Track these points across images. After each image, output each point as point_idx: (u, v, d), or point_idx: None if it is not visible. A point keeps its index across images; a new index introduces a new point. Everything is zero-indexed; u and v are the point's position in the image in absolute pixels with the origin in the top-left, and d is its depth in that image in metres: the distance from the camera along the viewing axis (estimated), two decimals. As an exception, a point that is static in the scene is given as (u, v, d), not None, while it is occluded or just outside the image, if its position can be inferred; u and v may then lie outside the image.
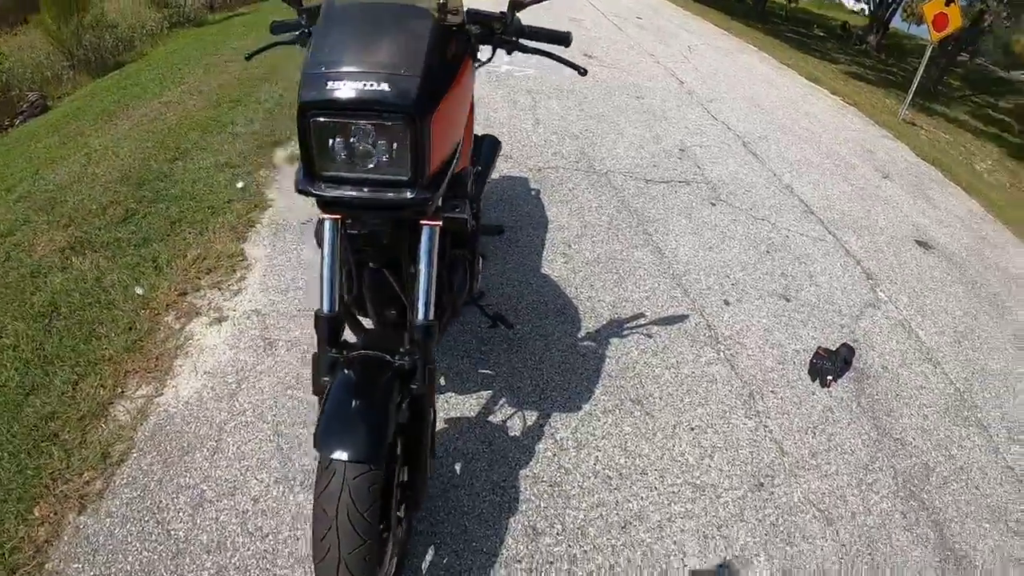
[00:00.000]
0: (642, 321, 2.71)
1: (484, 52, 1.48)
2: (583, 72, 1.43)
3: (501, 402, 2.16)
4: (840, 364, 2.67)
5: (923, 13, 6.24)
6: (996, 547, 2.06)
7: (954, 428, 2.52)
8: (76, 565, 1.56)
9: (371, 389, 1.19)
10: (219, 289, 2.52)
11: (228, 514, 1.70)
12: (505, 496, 1.84)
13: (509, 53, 1.38)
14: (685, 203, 3.78)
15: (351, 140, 1.15)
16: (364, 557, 1.10)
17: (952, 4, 5.91)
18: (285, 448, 1.89)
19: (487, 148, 2.38)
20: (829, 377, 2.60)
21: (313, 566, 1.13)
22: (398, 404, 1.20)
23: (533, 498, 1.85)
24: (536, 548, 1.72)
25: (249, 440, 1.91)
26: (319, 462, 1.14)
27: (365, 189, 1.18)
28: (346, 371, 1.21)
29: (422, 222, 1.23)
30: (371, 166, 1.16)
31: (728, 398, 2.40)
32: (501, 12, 1.31)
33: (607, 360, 2.45)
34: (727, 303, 2.95)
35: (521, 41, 1.34)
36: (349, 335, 1.53)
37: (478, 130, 2.51)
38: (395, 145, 1.15)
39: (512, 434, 2.04)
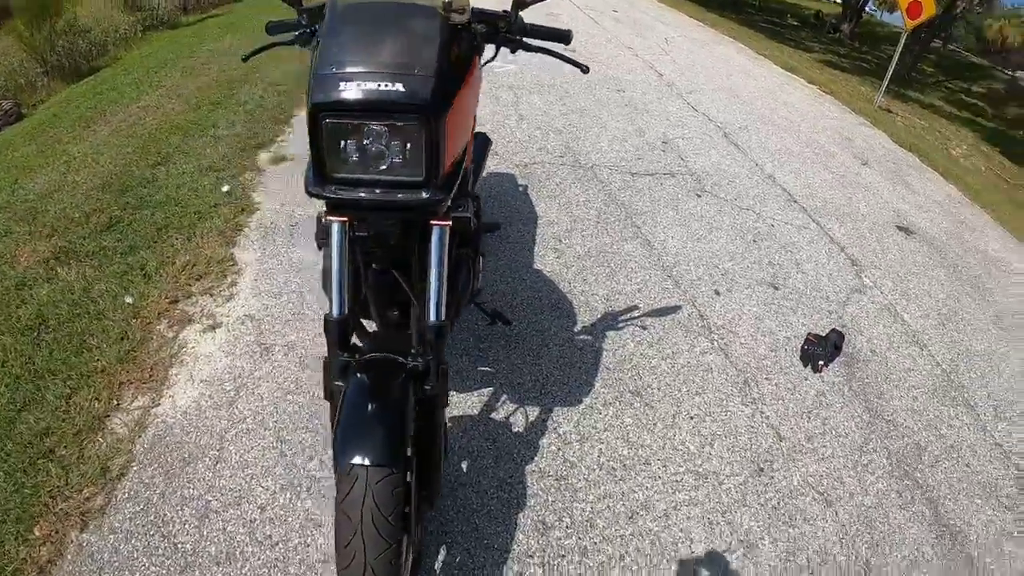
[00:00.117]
0: (636, 313, 2.74)
1: (487, 51, 1.48)
2: (585, 69, 1.43)
3: (502, 399, 2.16)
4: (830, 349, 2.72)
5: (897, 1, 6.35)
6: (989, 522, 2.12)
7: (943, 408, 2.58)
8: (82, 583, 1.54)
9: (386, 392, 1.18)
10: (211, 295, 2.49)
11: (235, 524, 1.68)
12: (513, 492, 1.85)
13: (513, 52, 1.38)
14: (671, 195, 3.81)
15: (364, 141, 1.13)
16: (390, 561, 1.09)
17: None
18: (289, 454, 1.88)
19: (479, 145, 2.38)
20: (820, 362, 2.65)
21: (336, 573, 1.12)
22: (413, 406, 1.20)
23: (540, 493, 1.86)
24: (547, 542, 1.73)
25: (251, 448, 1.89)
26: (339, 468, 1.13)
27: (377, 190, 1.17)
28: (358, 375, 1.21)
29: (432, 222, 1.23)
30: (384, 167, 1.15)
31: (724, 386, 2.43)
32: (504, 11, 1.31)
33: (604, 353, 2.47)
34: (718, 293, 2.99)
35: (525, 40, 1.34)
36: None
37: None
38: (409, 145, 1.14)
39: (516, 430, 2.05)
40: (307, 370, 2.17)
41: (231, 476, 1.81)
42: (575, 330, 2.57)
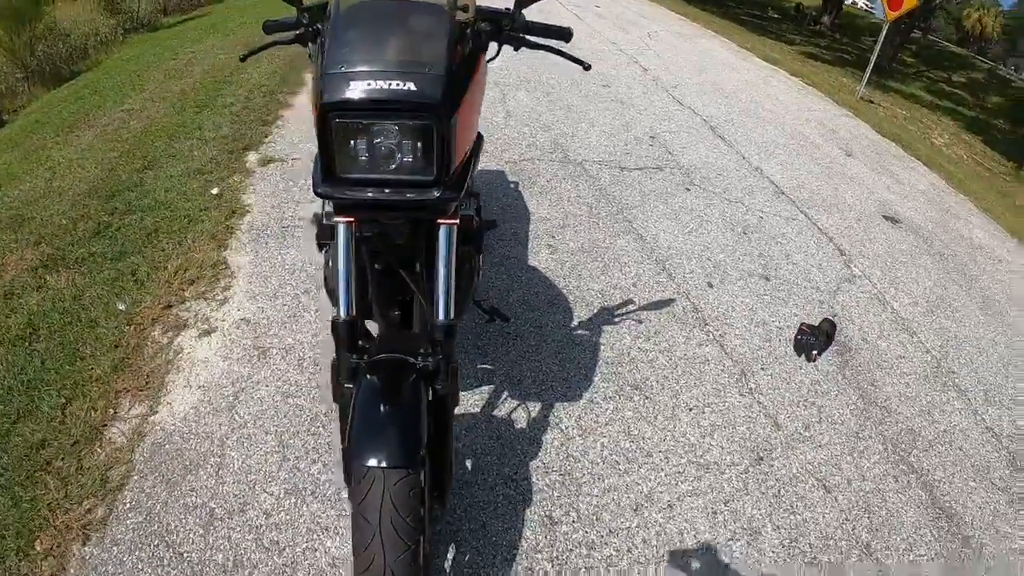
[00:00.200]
0: (631, 307, 2.75)
1: (490, 49, 1.47)
2: (587, 67, 1.43)
3: (504, 396, 2.17)
4: (823, 339, 2.75)
5: (877, -7, 6.44)
6: (984, 503, 2.17)
7: (934, 394, 2.63)
8: (87, 596, 1.52)
9: (398, 392, 1.18)
10: (205, 300, 2.46)
11: (241, 531, 1.67)
12: (519, 488, 1.85)
13: (516, 49, 1.37)
14: (661, 189, 3.83)
15: (374, 140, 1.13)
16: (409, 562, 1.09)
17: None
18: (292, 458, 1.86)
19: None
20: (814, 352, 2.68)
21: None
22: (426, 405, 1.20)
23: (546, 488, 1.87)
24: (554, 537, 1.74)
25: (253, 453, 1.88)
26: (353, 471, 1.12)
27: (387, 190, 1.16)
28: (369, 376, 1.20)
29: (439, 221, 1.22)
30: (393, 166, 1.14)
31: (721, 377, 2.46)
32: (507, 9, 1.30)
33: (602, 348, 2.48)
34: (710, 285, 3.01)
35: (527, 37, 1.34)
36: None
37: None
38: (419, 144, 1.13)
39: (519, 426, 2.06)
40: (306, 373, 2.16)
41: (234, 482, 1.79)
42: (572, 325, 2.58)
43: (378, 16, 1.17)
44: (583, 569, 1.68)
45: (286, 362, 2.21)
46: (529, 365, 2.32)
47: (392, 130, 1.11)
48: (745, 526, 1.89)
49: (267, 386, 2.10)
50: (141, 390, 2.07)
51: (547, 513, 1.80)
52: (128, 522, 1.67)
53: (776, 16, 14.45)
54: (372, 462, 1.09)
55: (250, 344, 2.27)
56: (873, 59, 6.79)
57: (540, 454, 1.97)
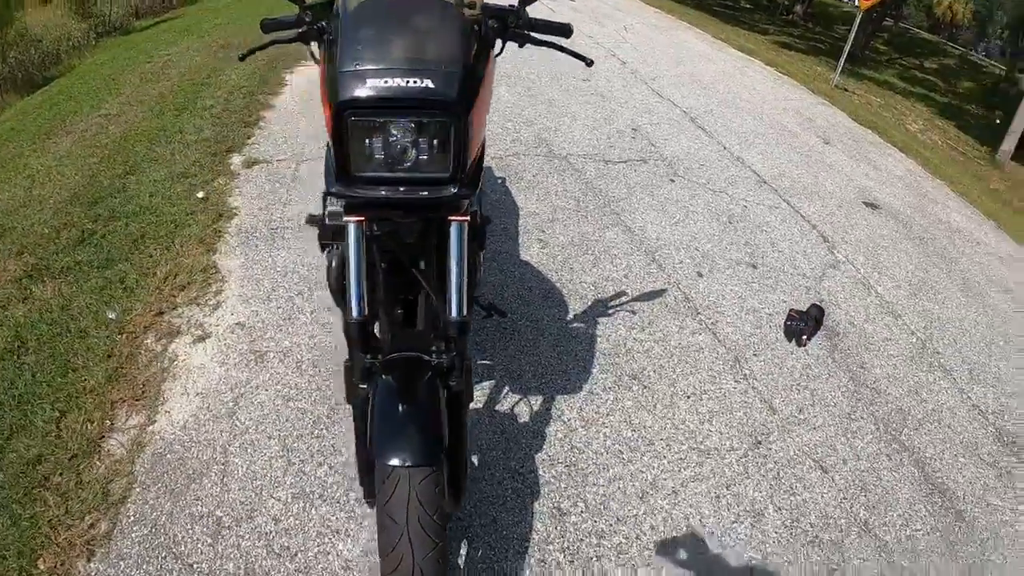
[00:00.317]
0: (624, 299, 2.78)
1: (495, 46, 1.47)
2: (589, 63, 1.44)
3: (505, 390, 2.18)
4: (812, 324, 2.81)
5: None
6: (974, 478, 2.24)
7: (921, 374, 2.70)
8: (97, 613, 1.49)
9: (415, 391, 1.18)
10: (197, 305, 2.43)
11: (250, 538, 1.65)
12: (526, 481, 1.87)
13: (521, 46, 1.38)
14: (646, 181, 3.86)
15: (390, 139, 1.12)
16: (437, 560, 1.10)
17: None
18: (297, 462, 1.85)
19: None
20: (804, 336, 2.74)
21: None
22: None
23: (553, 480, 1.89)
24: (564, 528, 1.76)
25: (257, 459, 1.86)
26: (378, 472, 1.12)
27: (402, 188, 1.16)
28: (384, 376, 1.20)
29: (451, 218, 1.22)
30: (408, 164, 1.14)
31: (716, 364, 2.50)
32: (511, 6, 1.31)
33: (598, 339, 2.50)
34: (700, 275, 3.05)
35: (531, 34, 1.34)
36: None
37: None
38: (436, 142, 1.13)
39: (522, 420, 2.07)
40: (305, 375, 2.15)
41: (239, 489, 1.77)
42: (568, 319, 2.60)
43: (390, 13, 1.16)
44: (594, 558, 1.71)
45: (284, 365, 2.19)
46: (528, 359, 2.33)
47: (409, 128, 1.11)
48: (748, 508, 1.93)
49: (267, 390, 2.09)
50: (137, 400, 2.04)
51: (556, 504, 1.82)
52: (133, 535, 1.64)
53: (748, 6, 14.60)
54: (395, 461, 1.09)
55: (246, 348, 2.25)
56: (847, 47, 6.90)
57: (545, 447, 1.99)
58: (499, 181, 3.60)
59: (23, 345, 2.20)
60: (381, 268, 1.45)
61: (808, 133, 5.21)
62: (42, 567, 1.57)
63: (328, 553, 1.63)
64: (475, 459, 1.91)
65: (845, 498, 2.04)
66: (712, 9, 11.90)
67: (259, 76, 4.60)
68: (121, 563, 1.58)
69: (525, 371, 2.28)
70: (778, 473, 2.08)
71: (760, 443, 2.18)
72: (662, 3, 10.63)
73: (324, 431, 1.95)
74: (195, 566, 1.59)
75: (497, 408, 2.10)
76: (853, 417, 2.38)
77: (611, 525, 1.79)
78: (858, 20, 6.75)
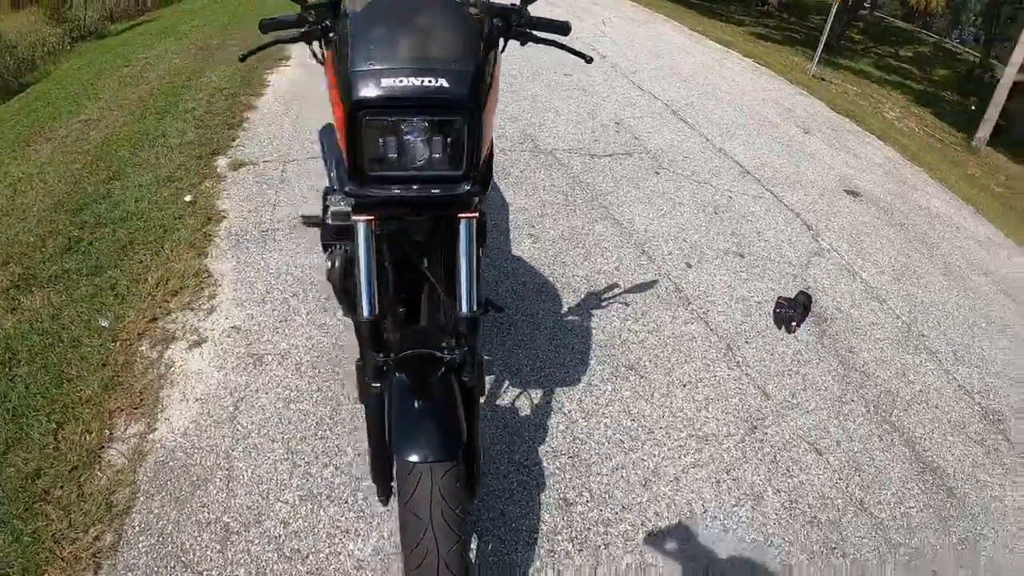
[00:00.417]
0: (617, 291, 2.81)
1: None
2: (589, 60, 1.46)
3: (505, 384, 2.20)
4: (800, 310, 2.86)
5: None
6: (962, 455, 2.30)
7: (907, 357, 2.77)
8: (107, 625, 1.48)
9: (430, 387, 1.19)
10: (191, 310, 2.41)
11: (260, 543, 1.65)
12: (531, 474, 1.89)
13: (523, 44, 1.39)
14: (631, 174, 3.90)
15: (405, 137, 1.13)
16: (461, 554, 1.11)
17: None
18: (303, 464, 1.85)
19: None
20: (793, 323, 2.79)
21: (405, 575, 1.13)
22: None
23: (557, 471, 1.91)
24: (571, 518, 1.78)
25: (262, 462, 1.86)
26: (399, 469, 1.13)
27: (415, 187, 1.17)
28: (398, 374, 1.21)
29: (460, 215, 1.23)
30: (422, 163, 1.15)
31: (709, 353, 2.54)
32: (513, 4, 1.32)
33: (594, 331, 2.53)
34: (689, 265, 3.10)
35: (533, 32, 1.35)
36: None
37: None
38: (449, 140, 1.14)
39: (523, 414, 2.09)
40: (305, 377, 2.15)
41: (246, 494, 1.77)
42: (562, 312, 2.62)
43: (400, 12, 1.16)
44: (602, 546, 1.74)
45: (283, 367, 2.18)
46: (526, 353, 2.35)
47: (422, 127, 1.12)
48: (748, 492, 1.97)
49: (267, 393, 2.08)
50: (136, 408, 2.02)
51: (561, 495, 1.84)
52: (140, 546, 1.63)
53: (723, -2, 14.69)
54: (415, 457, 1.11)
55: (244, 352, 2.24)
56: (824, 38, 7.00)
57: (547, 439, 2.01)
58: (487, 178, 3.61)
59: (14, 357, 2.16)
60: (386, 266, 1.46)
61: (788, 123, 5.29)
62: (48, 582, 1.56)
63: (340, 553, 1.63)
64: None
65: (840, 479, 2.09)
66: (688, 1, 11.96)
67: (240, 77, 4.55)
68: (129, 574, 1.57)
69: (524, 365, 2.30)
70: (775, 457, 2.12)
71: (756, 428, 2.22)
72: (639, -4, 10.69)
73: (328, 432, 1.96)
74: (205, 573, 1.58)
75: (498, 403, 2.12)
76: (844, 400, 2.44)
77: (617, 513, 1.82)
78: (834, 10, 6.85)
